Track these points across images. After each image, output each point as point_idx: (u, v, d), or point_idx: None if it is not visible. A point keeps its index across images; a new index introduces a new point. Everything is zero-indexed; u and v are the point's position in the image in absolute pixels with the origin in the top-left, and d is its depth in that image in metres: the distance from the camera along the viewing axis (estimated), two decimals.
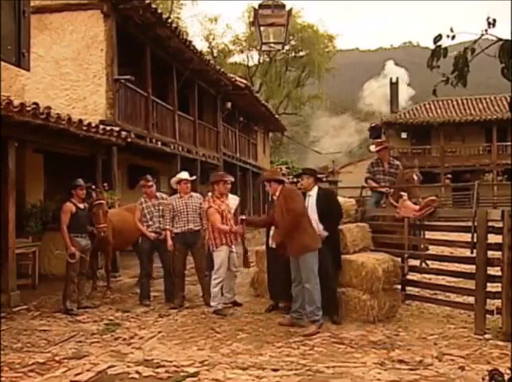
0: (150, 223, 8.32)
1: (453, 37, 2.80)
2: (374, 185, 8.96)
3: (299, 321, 6.60)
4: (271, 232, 7.40)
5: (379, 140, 10.30)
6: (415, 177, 8.31)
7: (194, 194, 8.30)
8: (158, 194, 8.65)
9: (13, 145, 8.19)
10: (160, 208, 8.34)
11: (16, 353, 5.60)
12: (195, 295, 8.73)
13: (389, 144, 10.08)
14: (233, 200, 8.23)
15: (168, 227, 8.07)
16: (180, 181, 8.21)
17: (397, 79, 38.80)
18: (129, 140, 11.65)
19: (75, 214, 7.73)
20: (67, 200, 7.87)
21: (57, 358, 5.43)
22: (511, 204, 13.68)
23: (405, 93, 41.29)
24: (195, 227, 8.02)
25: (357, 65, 79.55)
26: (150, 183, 8.51)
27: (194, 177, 8.54)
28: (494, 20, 2.72)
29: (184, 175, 8.31)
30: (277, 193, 6.67)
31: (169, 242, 8.02)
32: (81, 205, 7.94)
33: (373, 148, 9.58)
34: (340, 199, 7.75)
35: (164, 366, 5.13)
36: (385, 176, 8.96)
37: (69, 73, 11.93)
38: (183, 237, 7.97)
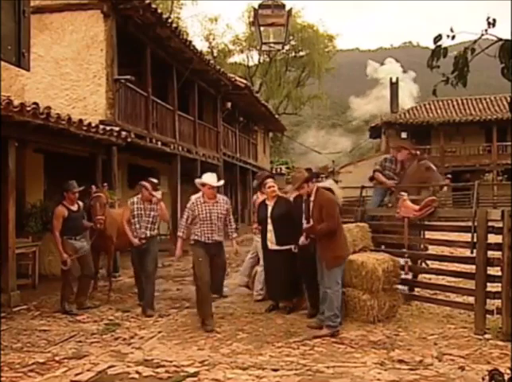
0: (137, 226, 7.61)
1: (453, 37, 2.80)
2: (383, 179, 8.72)
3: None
4: (268, 235, 7.38)
5: (405, 144, 10.11)
6: (433, 166, 8.28)
7: (220, 198, 7.09)
8: (153, 199, 7.85)
9: (14, 145, 8.19)
10: (152, 213, 7.68)
11: (16, 353, 5.60)
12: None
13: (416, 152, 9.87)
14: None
15: (180, 234, 7.07)
16: (204, 185, 7.00)
17: (397, 79, 38.80)
18: (129, 140, 11.66)
19: (68, 217, 7.56)
20: (60, 202, 7.70)
21: (57, 358, 5.43)
22: (511, 204, 13.68)
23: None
24: (219, 237, 6.97)
25: (357, 65, 79.49)
26: (157, 194, 7.85)
27: (222, 183, 7.37)
28: (494, 20, 2.73)
29: (210, 179, 6.97)
30: (313, 194, 6.41)
31: (178, 252, 7.12)
32: (74, 207, 7.73)
33: (392, 145, 9.47)
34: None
35: (164, 366, 5.13)
36: (395, 175, 8.85)
37: (69, 73, 11.94)
38: (205, 246, 6.84)
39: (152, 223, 7.68)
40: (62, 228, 7.50)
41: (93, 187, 8.55)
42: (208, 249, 6.82)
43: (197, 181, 7.21)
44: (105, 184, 9.85)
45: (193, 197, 7.10)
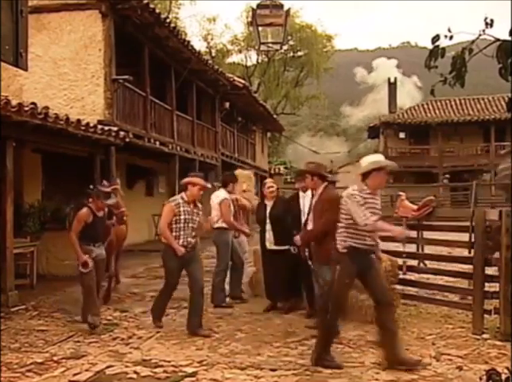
0: (181, 233, 6.35)
1: (451, 37, 2.80)
2: None
3: None
4: (267, 235, 7.38)
5: None
6: None
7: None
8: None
9: (11, 145, 8.19)
10: (198, 219, 6.53)
11: (14, 353, 5.59)
12: None
13: None
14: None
15: (370, 221, 4.88)
16: (380, 168, 5.07)
17: (396, 79, 38.89)
18: (127, 140, 11.66)
19: (91, 223, 6.70)
20: (86, 204, 6.81)
21: (55, 358, 5.42)
22: (511, 204, 13.68)
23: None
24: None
25: (355, 65, 79.56)
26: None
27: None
28: (492, 20, 2.73)
29: (382, 159, 5.31)
30: (319, 191, 6.11)
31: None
32: (100, 213, 6.87)
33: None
34: None
35: (162, 366, 5.12)
36: None
37: (67, 73, 11.94)
38: (364, 257, 5.08)
39: (195, 229, 6.53)
40: (82, 232, 6.67)
41: (104, 182, 7.82)
42: (367, 260, 5.12)
43: (367, 164, 5.10)
44: (117, 180, 9.18)
45: (353, 189, 5.13)
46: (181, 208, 6.35)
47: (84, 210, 6.70)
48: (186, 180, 6.53)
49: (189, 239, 6.39)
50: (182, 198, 6.43)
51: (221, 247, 7.99)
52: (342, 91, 67.32)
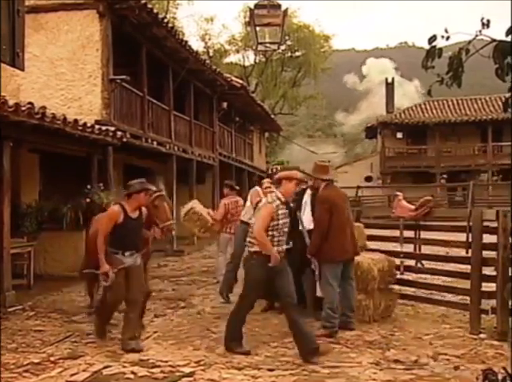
0: (278, 240, 5.35)
1: (448, 38, 2.81)
2: None
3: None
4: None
5: None
6: None
7: None
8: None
9: (9, 144, 8.17)
10: (288, 220, 5.51)
11: (11, 354, 5.58)
12: (190, 295, 8.73)
13: None
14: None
15: None
16: None
17: (393, 79, 38.93)
18: (124, 140, 11.64)
19: (122, 224, 5.66)
20: (118, 202, 5.98)
21: (52, 358, 5.41)
22: (511, 205, 13.69)
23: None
24: None
25: (353, 65, 79.59)
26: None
27: None
28: (488, 21, 2.73)
29: None
30: (320, 190, 6.37)
31: None
32: (133, 214, 5.76)
33: None
34: None
35: (159, 366, 5.12)
36: None
37: (64, 73, 11.92)
38: None
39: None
40: (110, 236, 5.70)
41: (153, 187, 6.51)
42: None
43: None
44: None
45: None
46: (280, 211, 5.32)
47: (115, 207, 5.79)
48: (282, 174, 5.51)
49: (284, 247, 5.44)
50: (279, 198, 5.36)
51: None
52: (339, 92, 67.36)
